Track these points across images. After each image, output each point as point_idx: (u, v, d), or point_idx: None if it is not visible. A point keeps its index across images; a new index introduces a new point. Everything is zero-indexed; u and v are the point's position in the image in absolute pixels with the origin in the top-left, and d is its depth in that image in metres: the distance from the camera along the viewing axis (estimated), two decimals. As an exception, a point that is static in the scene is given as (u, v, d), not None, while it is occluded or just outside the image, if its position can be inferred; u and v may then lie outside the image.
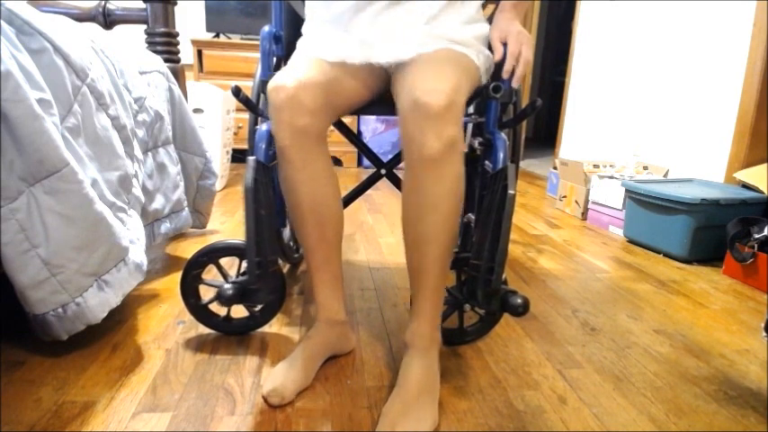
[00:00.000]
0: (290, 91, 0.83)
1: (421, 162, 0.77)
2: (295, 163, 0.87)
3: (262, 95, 1.10)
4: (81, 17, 1.47)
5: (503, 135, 0.96)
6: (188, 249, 1.57)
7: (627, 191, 1.91)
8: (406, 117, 0.78)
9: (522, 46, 0.88)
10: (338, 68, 0.91)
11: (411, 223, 0.84)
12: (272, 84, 0.85)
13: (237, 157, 3.15)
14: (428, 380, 0.83)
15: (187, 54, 2.95)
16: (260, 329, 1.07)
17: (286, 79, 0.84)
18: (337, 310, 0.97)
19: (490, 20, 1.00)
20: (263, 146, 0.94)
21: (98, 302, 0.91)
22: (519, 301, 0.78)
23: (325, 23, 0.97)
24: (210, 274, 1.30)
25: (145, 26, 1.51)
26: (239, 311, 1.05)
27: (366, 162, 3.54)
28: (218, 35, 3.34)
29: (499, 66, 0.92)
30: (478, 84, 0.94)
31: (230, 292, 0.85)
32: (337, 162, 3.44)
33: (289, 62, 0.95)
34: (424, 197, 0.79)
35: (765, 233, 1.47)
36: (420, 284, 0.86)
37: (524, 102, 3.05)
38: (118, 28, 1.53)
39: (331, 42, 0.94)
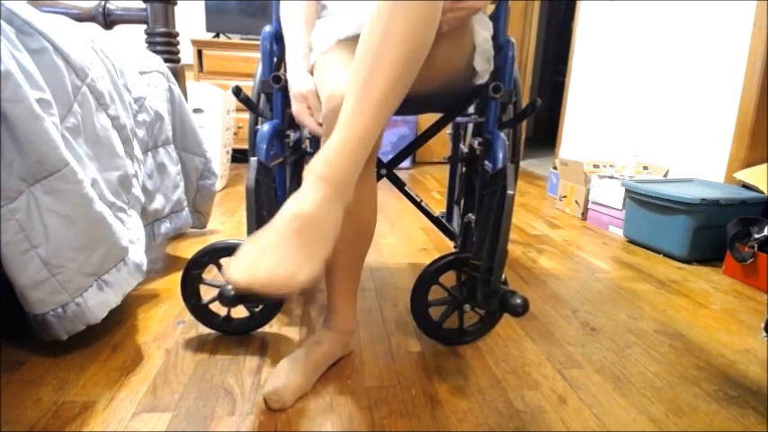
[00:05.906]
0: None
1: None
2: None
3: (262, 95, 1.10)
4: (81, 17, 1.47)
5: (502, 135, 0.97)
6: (188, 249, 1.57)
7: (627, 191, 1.91)
8: None
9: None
10: None
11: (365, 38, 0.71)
12: (328, 91, 0.77)
13: (237, 157, 3.15)
14: (318, 218, 0.66)
15: (187, 54, 2.95)
16: (260, 329, 1.07)
17: (343, 84, 0.74)
18: (351, 320, 0.97)
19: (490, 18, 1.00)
20: (264, 146, 0.94)
21: (98, 302, 0.91)
22: (518, 301, 0.78)
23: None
24: (211, 274, 1.30)
25: (145, 26, 1.51)
26: (239, 311, 1.05)
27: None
28: (218, 35, 3.34)
29: (499, 66, 0.91)
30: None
31: (232, 292, 0.85)
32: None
33: (318, 63, 0.89)
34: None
35: (765, 233, 1.47)
36: (352, 98, 0.69)
37: (524, 102, 3.05)
38: (118, 28, 1.53)
39: (346, 19, 0.89)
